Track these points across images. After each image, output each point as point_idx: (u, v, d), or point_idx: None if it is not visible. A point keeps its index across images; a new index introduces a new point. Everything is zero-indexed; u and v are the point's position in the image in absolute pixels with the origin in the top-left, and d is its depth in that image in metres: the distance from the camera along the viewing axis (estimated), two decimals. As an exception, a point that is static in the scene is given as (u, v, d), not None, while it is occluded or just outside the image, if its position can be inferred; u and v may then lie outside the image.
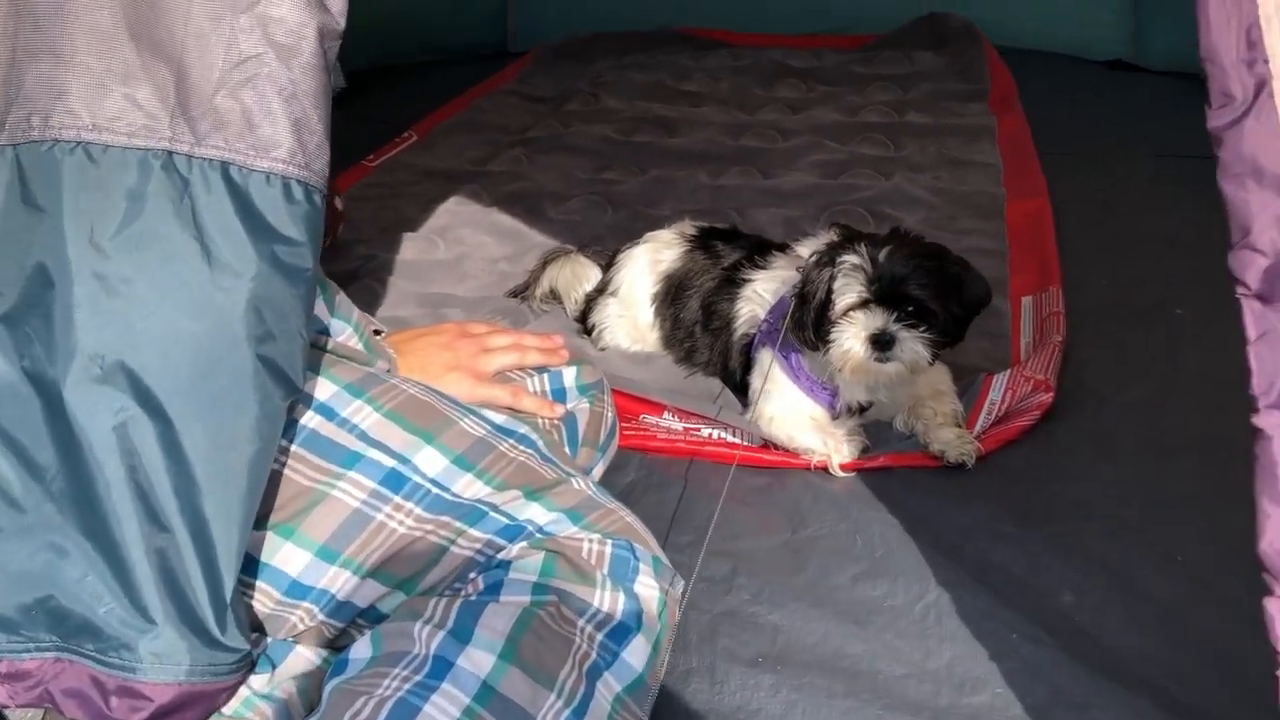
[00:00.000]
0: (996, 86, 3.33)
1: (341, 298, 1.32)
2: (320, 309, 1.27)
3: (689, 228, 1.94)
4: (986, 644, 1.26)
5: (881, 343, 1.50)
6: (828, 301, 1.53)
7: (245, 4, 1.05)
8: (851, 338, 1.51)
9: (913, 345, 1.52)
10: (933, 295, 1.52)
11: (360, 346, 1.32)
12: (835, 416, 1.67)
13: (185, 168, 1.03)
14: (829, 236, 1.63)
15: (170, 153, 1.03)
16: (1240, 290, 0.88)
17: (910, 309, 1.51)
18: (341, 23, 1.12)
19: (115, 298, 1.02)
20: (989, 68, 3.45)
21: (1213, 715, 1.14)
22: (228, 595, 1.03)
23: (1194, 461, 1.56)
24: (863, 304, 1.52)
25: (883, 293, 1.51)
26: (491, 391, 1.42)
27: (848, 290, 1.51)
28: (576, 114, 3.25)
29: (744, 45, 3.88)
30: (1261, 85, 0.87)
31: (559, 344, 1.53)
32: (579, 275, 2.05)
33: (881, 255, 1.51)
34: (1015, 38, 3.68)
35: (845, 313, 1.52)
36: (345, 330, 1.31)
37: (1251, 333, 0.88)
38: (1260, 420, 0.87)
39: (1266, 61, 0.87)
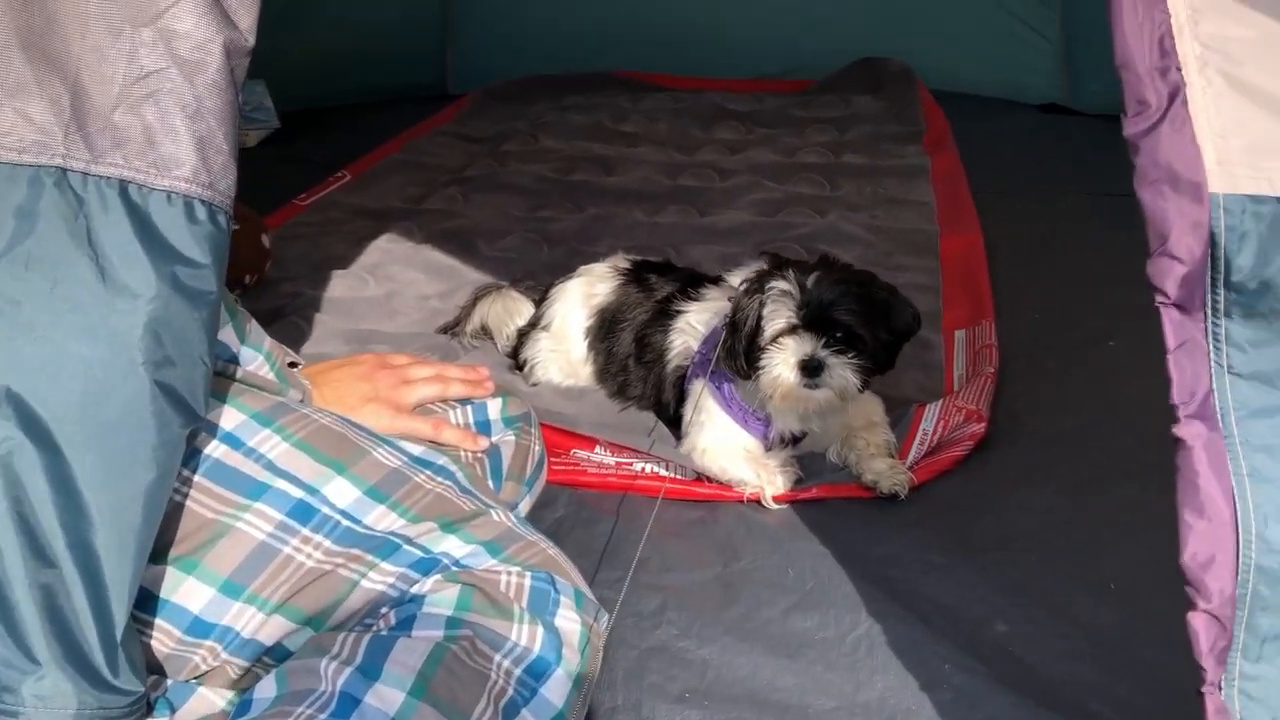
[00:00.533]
0: (931, 128, 3.38)
1: (253, 325, 1.28)
2: (229, 335, 1.22)
3: (623, 261, 1.92)
4: (918, 675, 1.23)
5: (810, 368, 1.49)
6: (758, 328, 1.52)
7: (147, 18, 1.02)
8: (781, 364, 1.50)
9: (842, 371, 1.51)
10: (861, 321, 1.51)
11: (272, 375, 1.27)
12: (769, 448, 1.65)
13: (80, 185, 0.99)
14: (759, 265, 1.62)
15: (64, 170, 0.99)
16: (1159, 299, 0.87)
17: (839, 335, 1.50)
18: (250, 40, 1.09)
19: (1, 320, 0.97)
20: (924, 110, 3.50)
21: (1148, 741, 1.12)
22: (119, 634, 0.98)
23: (1127, 490, 1.55)
24: (791, 330, 1.50)
25: (811, 318, 1.50)
26: (411, 424, 1.37)
27: (776, 316, 1.50)
28: (514, 154, 3.24)
29: (684, 89, 3.91)
30: (1175, 93, 0.87)
31: (484, 375, 1.49)
32: (510, 310, 2.02)
33: (810, 281, 1.51)
34: (951, 82, 3.74)
35: (775, 339, 1.51)
36: (256, 359, 1.26)
37: (1171, 342, 0.87)
38: (1180, 430, 0.86)
39: (1179, 69, 0.87)
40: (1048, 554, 1.44)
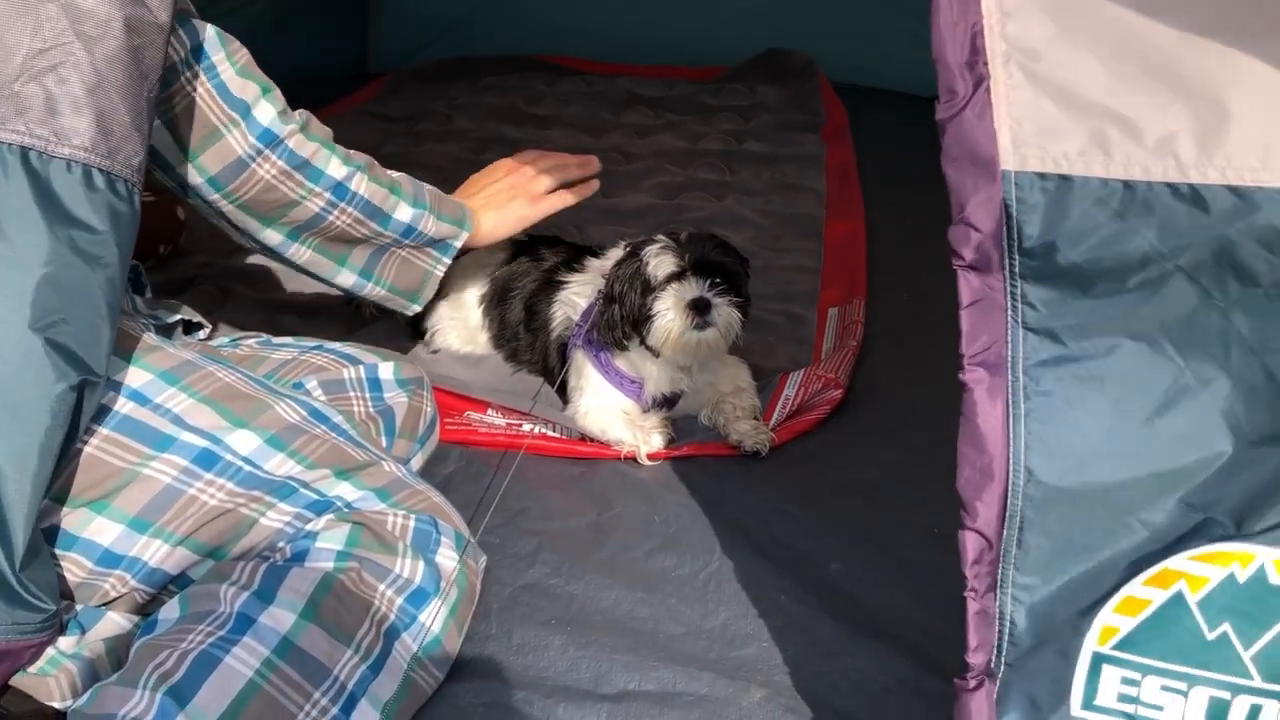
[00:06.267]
0: (831, 119, 3.54)
1: (431, 190, 1.71)
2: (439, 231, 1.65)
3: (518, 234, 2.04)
4: (757, 605, 1.40)
5: (700, 307, 1.63)
6: (646, 285, 1.65)
7: None
8: (671, 308, 1.64)
9: (727, 309, 1.66)
10: (737, 263, 1.68)
11: (443, 225, 1.68)
12: (645, 410, 1.80)
13: None
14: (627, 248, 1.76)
15: None
16: (956, 261, 1.00)
17: (718, 280, 1.65)
18: (161, 16, 1.17)
19: None
20: (825, 101, 3.67)
21: (946, 657, 1.27)
22: (19, 561, 1.08)
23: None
24: (679, 275, 1.65)
25: (695, 261, 1.65)
26: (547, 206, 1.79)
27: (663, 265, 1.65)
28: (429, 134, 3.34)
29: (598, 73, 4.02)
30: (980, 83, 0.99)
31: (593, 162, 1.89)
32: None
33: (683, 237, 1.68)
34: (853, 75, 3.91)
35: (664, 284, 1.65)
36: (422, 216, 1.65)
37: (964, 299, 1.00)
38: (965, 375, 1.00)
39: (986, 64, 1.00)
40: (885, 504, 1.62)
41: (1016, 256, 0.99)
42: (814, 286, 2.38)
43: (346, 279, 1.66)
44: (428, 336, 2.05)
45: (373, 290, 1.69)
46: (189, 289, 2.19)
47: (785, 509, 1.61)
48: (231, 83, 1.42)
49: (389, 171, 1.65)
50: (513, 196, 1.80)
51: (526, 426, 1.82)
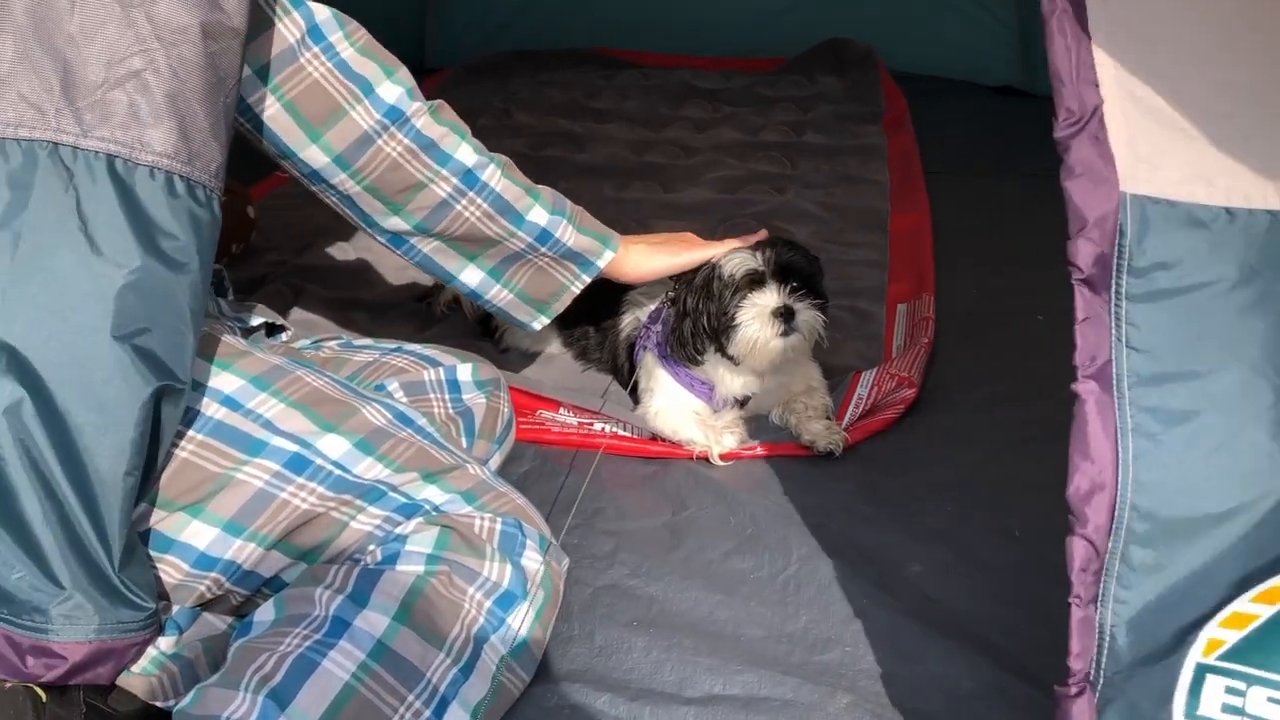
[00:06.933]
0: (891, 109, 3.51)
1: (575, 206, 1.63)
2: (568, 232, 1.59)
3: None
4: (838, 609, 1.40)
5: (785, 315, 1.63)
6: (724, 298, 1.65)
7: (132, 1, 1.11)
8: (755, 318, 1.63)
9: (809, 313, 1.65)
10: (814, 267, 1.68)
11: (584, 237, 1.62)
12: (716, 410, 1.80)
13: (70, 159, 1.09)
14: None
15: (56, 144, 1.09)
16: (1075, 274, 1.02)
17: (796, 285, 1.65)
18: (237, 20, 1.18)
19: (2, 284, 1.07)
20: (884, 91, 3.64)
21: (1032, 661, 1.29)
22: (117, 561, 1.11)
23: (1037, 449, 1.69)
24: (759, 280, 1.64)
25: (776, 266, 1.65)
26: (700, 253, 1.71)
27: (743, 267, 1.64)
28: (489, 129, 3.35)
29: (656, 66, 4.02)
30: (1095, 107, 1.02)
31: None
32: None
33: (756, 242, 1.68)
34: (912, 64, 3.88)
35: (743, 293, 1.64)
36: (560, 222, 1.59)
37: (1079, 314, 1.02)
38: (1078, 387, 1.02)
39: (1098, 86, 1.02)
40: (963, 505, 1.61)
41: (1124, 276, 1.01)
42: (881, 281, 2.37)
43: (472, 276, 1.60)
44: (497, 335, 2.07)
45: (499, 294, 1.62)
46: (261, 288, 2.22)
47: (861, 510, 1.60)
48: (352, 60, 1.42)
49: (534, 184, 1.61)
50: (667, 242, 1.73)
51: (598, 426, 1.83)
